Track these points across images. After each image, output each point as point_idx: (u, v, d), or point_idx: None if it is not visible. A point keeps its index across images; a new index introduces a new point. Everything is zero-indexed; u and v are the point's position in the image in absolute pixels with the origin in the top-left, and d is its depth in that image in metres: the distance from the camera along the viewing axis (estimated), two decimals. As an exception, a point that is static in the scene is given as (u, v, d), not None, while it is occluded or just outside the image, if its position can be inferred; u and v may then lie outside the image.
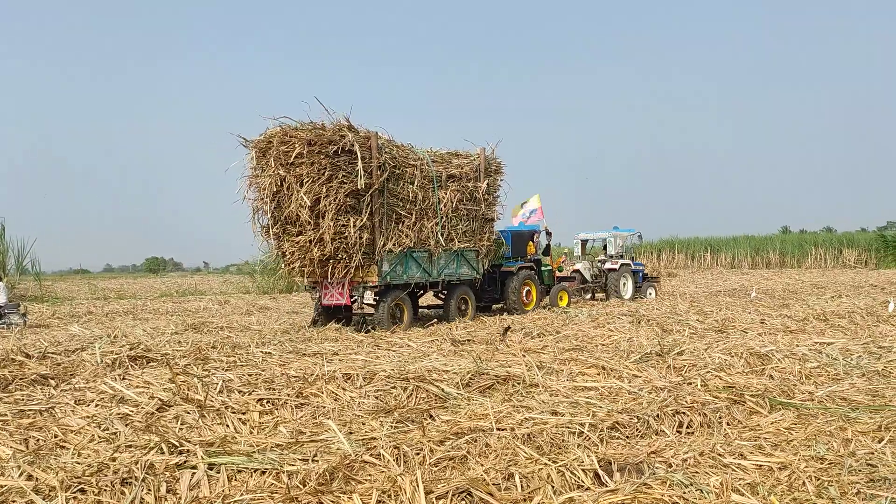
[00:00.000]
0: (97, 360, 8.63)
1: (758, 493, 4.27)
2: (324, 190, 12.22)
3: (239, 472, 4.48)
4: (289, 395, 6.70)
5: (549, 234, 18.79)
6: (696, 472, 4.60)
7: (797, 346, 9.12)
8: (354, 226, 12.39)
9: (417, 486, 4.22)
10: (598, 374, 7.76)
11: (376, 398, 6.78)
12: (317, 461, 4.68)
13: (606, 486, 4.40)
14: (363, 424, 5.87)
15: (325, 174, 12.25)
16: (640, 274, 21.20)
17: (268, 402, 6.53)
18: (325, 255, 12.58)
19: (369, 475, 4.52)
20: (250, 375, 7.51)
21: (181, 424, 5.80)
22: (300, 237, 12.70)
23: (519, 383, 7.33)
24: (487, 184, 15.45)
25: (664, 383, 7.15)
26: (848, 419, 5.83)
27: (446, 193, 14.42)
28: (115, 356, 8.87)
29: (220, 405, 6.25)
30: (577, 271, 20.70)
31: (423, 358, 8.80)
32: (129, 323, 15.03)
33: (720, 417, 5.92)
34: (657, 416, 5.87)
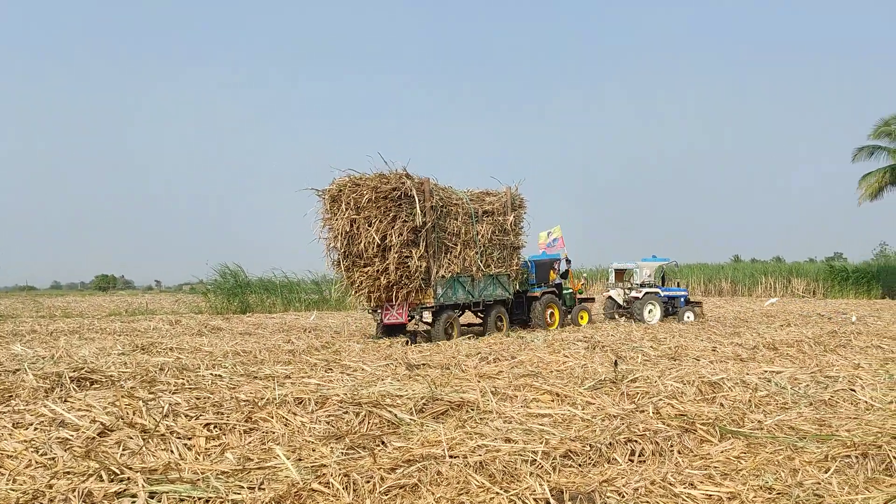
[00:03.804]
0: (37, 382, 8.34)
1: (708, 524, 4.27)
2: (389, 228, 14.62)
3: (181, 500, 4.34)
4: (237, 419, 6.54)
5: (568, 261, 20.88)
6: (647, 502, 4.59)
7: (747, 374, 9.24)
8: (415, 257, 14.76)
9: (366, 515, 4.13)
10: (552, 401, 7.75)
11: (328, 423, 6.66)
12: (263, 489, 4.56)
13: (558, 516, 4.36)
14: (313, 451, 5.75)
15: (390, 215, 14.71)
16: (683, 298, 22.65)
17: (215, 426, 6.37)
18: (391, 282, 14.96)
19: (317, 504, 4.42)
20: (198, 399, 7.33)
21: (123, 450, 5.61)
22: (368, 268, 15.08)
23: (473, 409, 7.27)
24: (514, 217, 18.13)
25: (617, 411, 7.16)
26: (795, 448, 5.89)
27: (482, 226, 17.10)
28: (58, 377, 8.58)
29: (164, 430, 6.08)
30: (611, 297, 22.58)
31: (377, 382, 8.70)
32: (74, 342, 14.58)
33: (672, 446, 5.93)
34: (610, 443, 5.87)
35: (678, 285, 23.86)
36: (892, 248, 62.79)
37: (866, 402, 7.83)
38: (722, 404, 7.69)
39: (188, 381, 8.65)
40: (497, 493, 4.58)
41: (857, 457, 5.48)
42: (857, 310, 26.49)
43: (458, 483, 4.81)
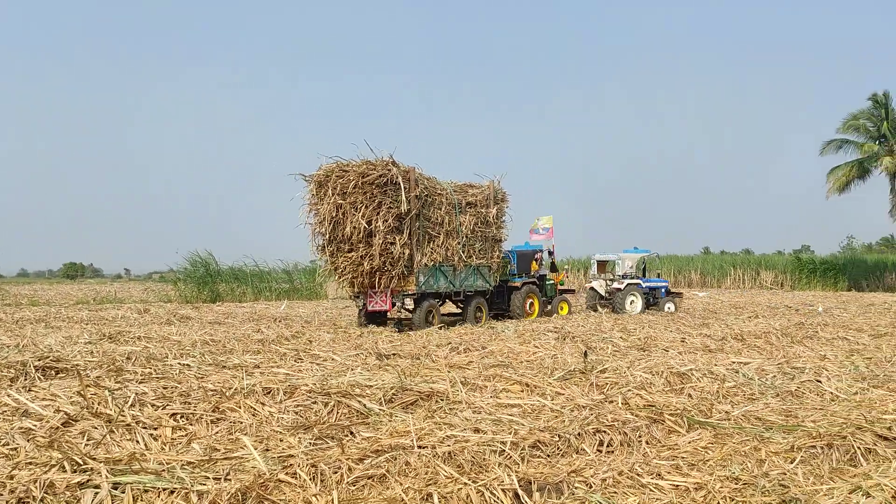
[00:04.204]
0: (1, 371, 8.18)
1: (674, 514, 4.29)
2: (375, 214, 14.90)
3: (145, 491, 4.27)
4: (205, 409, 6.46)
5: (551, 253, 21.49)
6: (615, 493, 4.61)
7: (716, 365, 9.33)
8: (399, 243, 15.01)
9: (333, 506, 4.10)
10: (522, 391, 7.77)
11: (296, 413, 6.61)
12: (229, 480, 4.50)
13: (526, 507, 4.36)
14: (281, 441, 5.70)
15: (376, 201, 14.97)
16: (663, 290, 23.08)
17: (182, 416, 6.28)
18: (374, 268, 15.19)
19: (284, 495, 4.38)
20: (165, 388, 7.24)
21: (87, 440, 5.51)
22: (352, 254, 15.33)
23: (442, 399, 7.26)
24: (497, 210, 18.46)
25: (586, 401, 7.18)
26: (762, 439, 5.95)
27: (465, 218, 17.34)
28: (22, 366, 8.43)
29: (130, 420, 5.98)
30: (593, 288, 22.93)
31: (346, 372, 8.66)
32: (40, 331, 14.35)
33: (640, 436, 5.96)
34: (578, 434, 5.89)
35: (658, 276, 24.25)
36: (858, 241, 63.89)
37: (832, 392, 7.94)
38: (690, 395, 7.75)
39: (155, 371, 8.53)
40: (465, 484, 4.56)
41: (822, 447, 5.55)
42: (824, 302, 26.89)
43: (426, 474, 4.79)
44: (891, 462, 5.23)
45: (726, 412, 6.91)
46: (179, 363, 9.17)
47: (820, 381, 8.42)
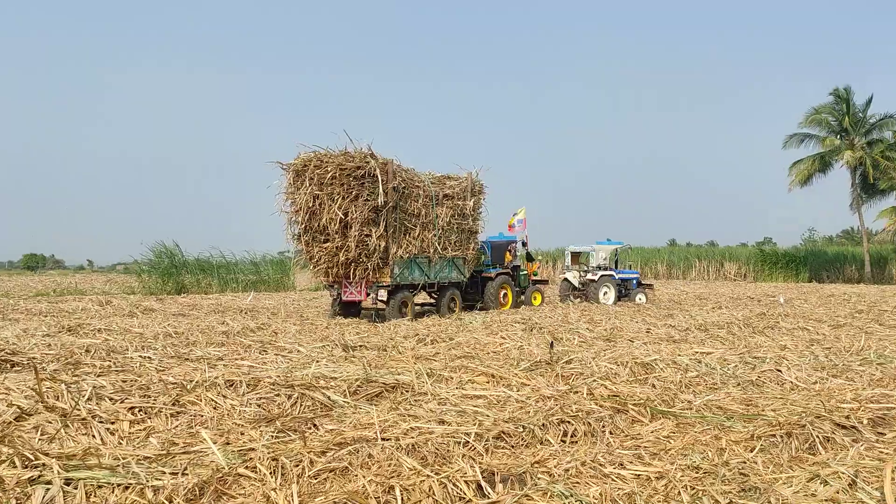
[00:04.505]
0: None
1: (636, 504, 4.30)
2: (351, 206, 14.95)
3: (99, 487, 4.16)
4: (164, 402, 6.34)
5: (524, 244, 21.76)
6: (578, 483, 4.60)
7: (679, 355, 9.41)
8: (374, 235, 15.06)
9: (293, 500, 4.04)
10: (488, 383, 7.75)
11: (258, 406, 6.52)
12: (187, 475, 4.41)
13: (488, 498, 4.34)
14: (242, 434, 5.61)
15: (353, 193, 15.05)
16: (635, 281, 23.51)
17: (140, 410, 6.16)
18: (349, 259, 15.34)
19: (243, 489, 4.30)
20: (124, 382, 7.08)
21: (41, 435, 5.36)
22: (327, 244, 15.46)
23: (408, 391, 7.22)
24: (474, 202, 18.55)
25: (552, 392, 7.19)
26: (723, 428, 6.00)
27: (442, 210, 17.39)
28: (-24, 360, 8.23)
29: (86, 414, 5.84)
30: (567, 280, 23.15)
31: (311, 364, 8.56)
32: (-3, 323, 14.03)
33: (603, 426, 5.98)
34: (543, 425, 5.88)
35: (630, 268, 24.65)
36: (819, 233, 65.07)
37: (792, 382, 8.04)
38: (654, 385, 7.79)
39: (115, 364, 8.37)
40: (428, 476, 4.52)
41: (781, 436, 5.61)
42: (786, 293, 27.31)
43: (389, 466, 4.74)
44: (848, 450, 5.30)
45: (689, 402, 6.96)
46: (140, 356, 9.01)
47: (780, 371, 8.52)
